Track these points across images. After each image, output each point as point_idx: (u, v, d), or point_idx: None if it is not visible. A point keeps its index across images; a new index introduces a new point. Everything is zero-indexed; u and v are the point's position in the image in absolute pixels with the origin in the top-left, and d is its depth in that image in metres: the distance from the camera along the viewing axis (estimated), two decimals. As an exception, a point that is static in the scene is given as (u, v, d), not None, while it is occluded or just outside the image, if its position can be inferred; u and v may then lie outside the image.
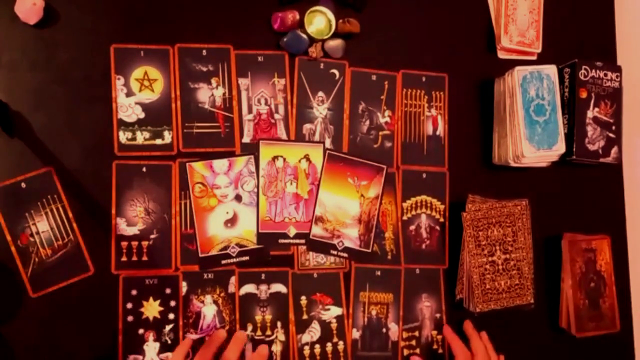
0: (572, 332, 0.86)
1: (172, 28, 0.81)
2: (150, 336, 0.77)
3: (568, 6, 0.96)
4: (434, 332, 0.86)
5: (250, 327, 0.80)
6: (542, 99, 0.85)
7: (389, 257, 0.85)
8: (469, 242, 0.83)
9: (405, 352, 0.85)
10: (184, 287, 0.79)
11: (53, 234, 0.75)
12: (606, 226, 0.93)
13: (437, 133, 0.89)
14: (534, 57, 0.93)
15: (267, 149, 0.82)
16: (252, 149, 0.82)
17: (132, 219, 0.78)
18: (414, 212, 0.87)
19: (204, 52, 0.81)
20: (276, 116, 0.83)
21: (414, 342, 0.85)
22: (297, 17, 0.82)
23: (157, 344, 0.77)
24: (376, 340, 0.84)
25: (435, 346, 0.86)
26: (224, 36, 0.82)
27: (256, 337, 0.80)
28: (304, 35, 0.82)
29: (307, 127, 0.84)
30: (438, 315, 0.87)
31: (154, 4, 0.81)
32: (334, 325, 0.83)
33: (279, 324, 0.81)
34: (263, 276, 0.81)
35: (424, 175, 0.88)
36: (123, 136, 0.78)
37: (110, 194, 0.77)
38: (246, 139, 0.82)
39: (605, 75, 0.89)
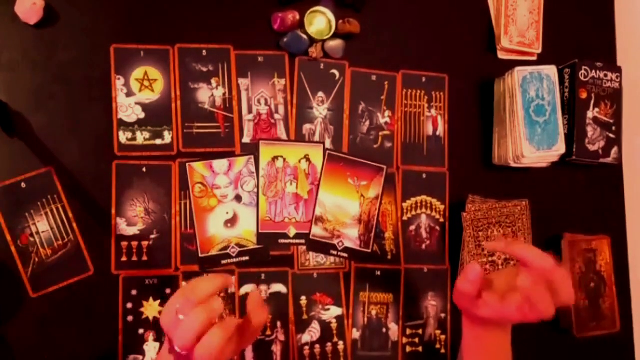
0: (572, 332, 0.86)
1: (172, 28, 0.81)
2: (150, 336, 0.77)
3: (568, 6, 0.96)
4: (438, 332, 0.86)
5: (250, 327, 0.80)
6: (542, 99, 0.85)
7: (389, 257, 0.85)
8: (469, 242, 0.83)
9: (408, 349, 0.85)
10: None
11: (53, 234, 0.75)
12: (606, 226, 0.93)
13: (437, 133, 0.89)
14: (534, 58, 0.93)
15: (267, 149, 0.82)
16: (252, 149, 0.82)
17: (132, 219, 0.78)
18: (414, 213, 0.87)
19: (204, 52, 0.81)
20: (276, 116, 0.83)
21: (417, 340, 0.85)
22: (297, 17, 0.82)
23: (157, 344, 0.77)
24: (376, 340, 0.84)
25: (438, 345, 0.86)
26: (224, 36, 0.82)
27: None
28: (304, 36, 0.82)
29: (307, 127, 0.84)
30: (443, 315, 0.87)
31: (154, 4, 0.81)
32: (334, 325, 0.83)
33: (279, 324, 0.81)
34: (263, 276, 0.81)
35: (424, 176, 0.87)
36: (123, 136, 0.78)
37: (110, 194, 0.77)
38: (246, 139, 0.82)
39: (605, 75, 0.89)
